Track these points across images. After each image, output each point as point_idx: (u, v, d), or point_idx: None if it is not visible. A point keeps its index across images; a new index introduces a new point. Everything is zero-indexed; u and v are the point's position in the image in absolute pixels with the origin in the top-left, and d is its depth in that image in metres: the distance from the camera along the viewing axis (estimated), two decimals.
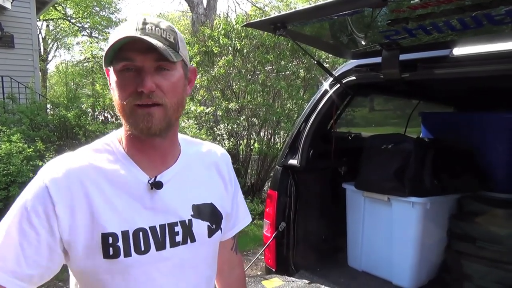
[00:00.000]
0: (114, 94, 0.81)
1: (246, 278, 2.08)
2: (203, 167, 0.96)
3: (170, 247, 0.84)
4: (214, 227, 0.92)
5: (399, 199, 2.02)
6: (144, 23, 0.79)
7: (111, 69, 0.80)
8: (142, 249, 0.80)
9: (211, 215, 0.92)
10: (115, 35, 0.78)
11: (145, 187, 0.83)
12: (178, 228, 0.85)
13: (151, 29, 0.78)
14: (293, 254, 2.19)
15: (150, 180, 0.84)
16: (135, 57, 0.76)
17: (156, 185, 0.84)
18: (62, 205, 0.76)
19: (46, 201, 0.76)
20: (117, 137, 0.87)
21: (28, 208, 0.76)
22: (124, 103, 0.78)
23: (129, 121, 0.80)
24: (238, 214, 1.05)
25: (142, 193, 0.83)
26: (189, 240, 0.87)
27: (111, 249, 0.78)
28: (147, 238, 0.81)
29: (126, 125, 0.83)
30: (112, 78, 0.80)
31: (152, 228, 0.82)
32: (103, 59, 0.78)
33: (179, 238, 0.85)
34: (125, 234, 0.79)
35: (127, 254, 0.79)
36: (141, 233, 0.81)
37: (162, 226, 0.84)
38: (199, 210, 0.90)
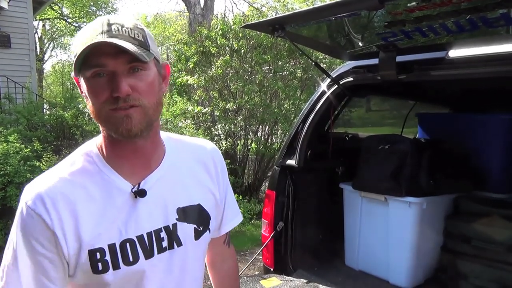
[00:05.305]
0: (88, 101, 0.77)
1: (245, 277, 2.10)
2: (190, 166, 0.92)
3: (158, 253, 0.83)
4: (201, 228, 0.90)
5: (396, 199, 2.04)
6: (109, 25, 0.74)
7: (81, 77, 0.76)
8: (131, 260, 0.80)
9: (198, 216, 0.90)
10: (81, 41, 0.73)
11: (129, 196, 0.81)
12: (163, 234, 0.84)
13: (118, 30, 0.74)
14: (291, 254, 2.20)
15: (133, 188, 0.81)
16: (106, 62, 0.72)
17: (140, 193, 0.81)
18: (57, 227, 0.75)
19: (42, 226, 0.75)
20: (96, 145, 0.84)
21: (31, 240, 0.75)
22: (100, 109, 0.75)
23: (107, 126, 0.77)
24: (229, 212, 1.02)
25: (126, 203, 0.81)
26: (175, 245, 0.85)
27: (99, 264, 0.77)
28: (135, 248, 0.80)
29: (104, 131, 0.81)
30: (84, 86, 0.76)
31: (140, 237, 0.81)
32: (72, 68, 0.75)
33: (165, 244, 0.84)
34: (112, 247, 0.78)
35: (116, 267, 0.78)
36: (128, 244, 0.79)
37: (149, 234, 0.82)
38: (185, 213, 0.87)
